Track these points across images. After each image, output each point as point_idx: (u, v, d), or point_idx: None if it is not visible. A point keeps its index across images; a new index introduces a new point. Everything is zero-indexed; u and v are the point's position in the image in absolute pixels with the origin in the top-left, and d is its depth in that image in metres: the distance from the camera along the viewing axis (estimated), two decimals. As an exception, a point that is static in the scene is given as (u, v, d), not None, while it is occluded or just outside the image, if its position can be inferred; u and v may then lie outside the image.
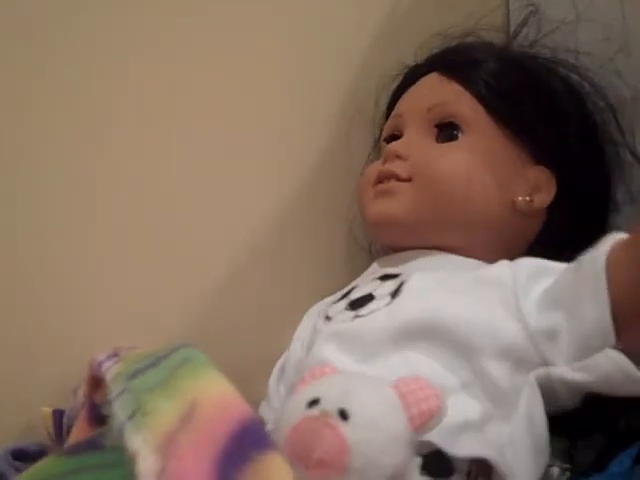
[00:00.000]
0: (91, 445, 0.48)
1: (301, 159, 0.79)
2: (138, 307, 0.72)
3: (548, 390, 0.54)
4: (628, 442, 0.54)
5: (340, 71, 0.80)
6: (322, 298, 0.70)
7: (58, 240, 0.71)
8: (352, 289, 0.66)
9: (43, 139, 0.71)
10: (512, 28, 0.79)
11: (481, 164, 0.66)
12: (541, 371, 0.54)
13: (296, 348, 0.67)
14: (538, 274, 0.58)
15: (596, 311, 0.53)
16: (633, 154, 0.71)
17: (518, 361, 0.55)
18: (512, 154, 0.67)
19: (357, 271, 0.70)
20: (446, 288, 0.60)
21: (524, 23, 0.77)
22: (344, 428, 0.46)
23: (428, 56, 0.76)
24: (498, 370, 0.55)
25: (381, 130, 0.76)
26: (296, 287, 0.77)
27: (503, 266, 0.60)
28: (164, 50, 0.74)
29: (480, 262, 0.64)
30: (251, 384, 0.46)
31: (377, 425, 0.47)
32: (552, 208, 0.67)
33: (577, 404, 0.55)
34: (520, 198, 0.66)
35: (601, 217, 0.71)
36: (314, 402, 0.48)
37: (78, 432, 0.57)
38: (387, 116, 0.76)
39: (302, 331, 0.68)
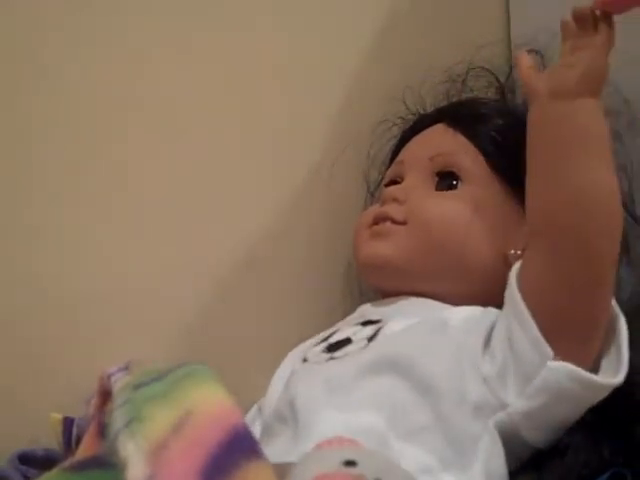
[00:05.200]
0: (97, 462, 0.49)
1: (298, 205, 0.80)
2: (141, 317, 0.74)
3: (512, 434, 0.55)
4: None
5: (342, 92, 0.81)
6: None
7: (65, 249, 0.72)
8: (333, 333, 0.66)
9: (43, 145, 0.71)
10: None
11: (476, 215, 0.67)
12: (500, 415, 0.55)
13: (274, 389, 0.67)
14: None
15: (523, 331, 0.55)
16: (633, 217, 0.71)
17: (477, 407, 0.56)
18: (509, 208, 0.68)
19: (347, 313, 0.71)
20: (418, 331, 0.61)
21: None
22: None
23: (436, 108, 0.77)
24: (458, 416, 0.55)
25: (382, 177, 0.77)
26: (285, 325, 0.78)
27: (476, 314, 0.62)
28: (164, 51, 0.75)
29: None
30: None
31: None
32: None
33: (547, 442, 0.56)
34: (512, 251, 0.66)
35: None
36: (350, 463, 0.47)
37: (87, 445, 0.56)
38: (390, 162, 0.77)
39: (281, 372, 0.68)
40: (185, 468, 0.39)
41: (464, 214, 0.66)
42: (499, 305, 0.63)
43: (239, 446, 0.39)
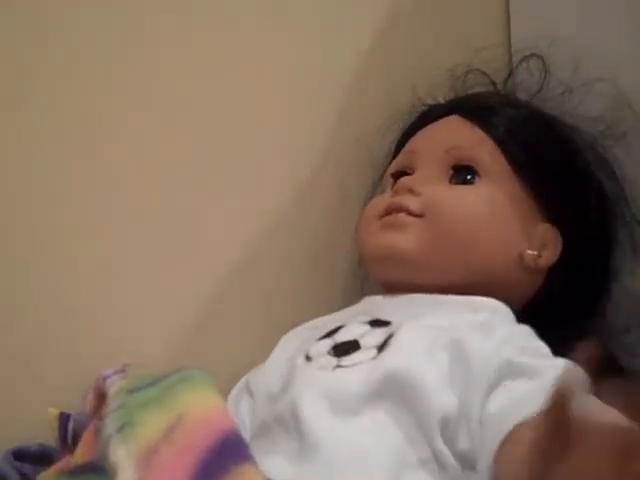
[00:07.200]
0: (93, 468, 0.49)
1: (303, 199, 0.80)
2: (141, 317, 0.74)
3: None
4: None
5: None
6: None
7: (65, 250, 0.72)
8: (338, 328, 0.63)
9: (43, 144, 0.71)
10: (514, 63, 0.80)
11: (494, 212, 0.65)
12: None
13: (270, 375, 0.64)
14: (506, 374, 0.54)
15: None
16: (638, 223, 0.71)
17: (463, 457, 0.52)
18: (525, 207, 0.67)
19: (348, 302, 0.70)
20: (432, 351, 0.57)
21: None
22: None
23: (449, 99, 0.75)
24: (452, 459, 0.53)
25: (386, 166, 0.75)
26: (286, 325, 0.75)
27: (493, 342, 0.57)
28: (164, 51, 0.75)
29: (473, 303, 0.62)
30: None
31: None
32: (553, 269, 0.67)
33: None
34: (529, 252, 0.66)
35: (599, 288, 0.71)
36: None
37: (86, 446, 0.57)
38: (395, 152, 0.74)
39: (278, 357, 0.65)
40: (175, 473, 0.39)
41: (483, 210, 0.65)
42: (510, 302, 0.63)
43: (229, 451, 0.40)
